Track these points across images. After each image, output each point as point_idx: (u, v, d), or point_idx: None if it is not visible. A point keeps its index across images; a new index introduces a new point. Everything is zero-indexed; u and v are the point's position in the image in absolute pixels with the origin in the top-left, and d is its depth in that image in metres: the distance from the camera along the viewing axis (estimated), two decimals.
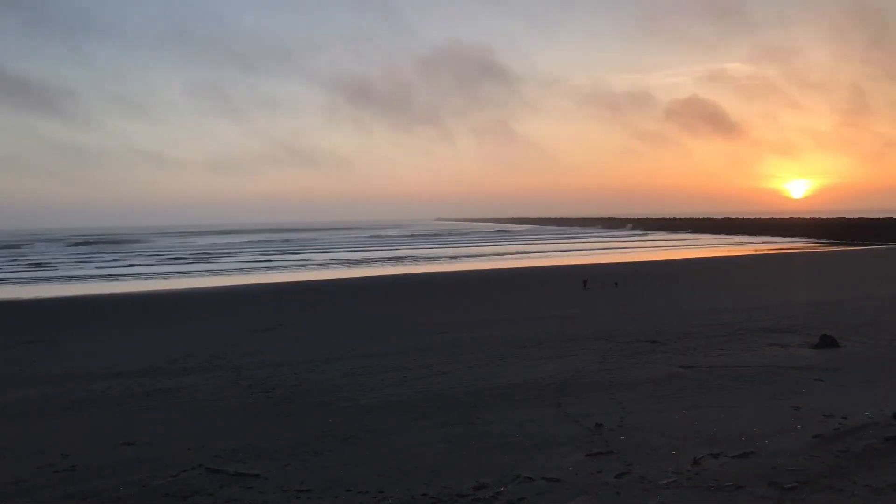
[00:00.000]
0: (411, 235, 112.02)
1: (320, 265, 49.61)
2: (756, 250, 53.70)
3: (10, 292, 34.05)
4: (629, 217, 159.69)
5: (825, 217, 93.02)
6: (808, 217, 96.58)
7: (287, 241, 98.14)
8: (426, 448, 7.13)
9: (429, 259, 53.58)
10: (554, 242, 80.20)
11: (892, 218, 71.03)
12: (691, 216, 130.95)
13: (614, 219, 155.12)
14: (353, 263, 50.37)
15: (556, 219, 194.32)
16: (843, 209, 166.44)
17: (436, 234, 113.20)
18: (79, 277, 42.40)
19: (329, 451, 7.19)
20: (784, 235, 78.46)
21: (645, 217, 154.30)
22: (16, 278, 43.38)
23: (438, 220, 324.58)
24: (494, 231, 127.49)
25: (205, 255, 64.47)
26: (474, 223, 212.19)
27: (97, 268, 51.23)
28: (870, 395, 8.52)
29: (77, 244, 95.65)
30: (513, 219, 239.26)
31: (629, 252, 58.57)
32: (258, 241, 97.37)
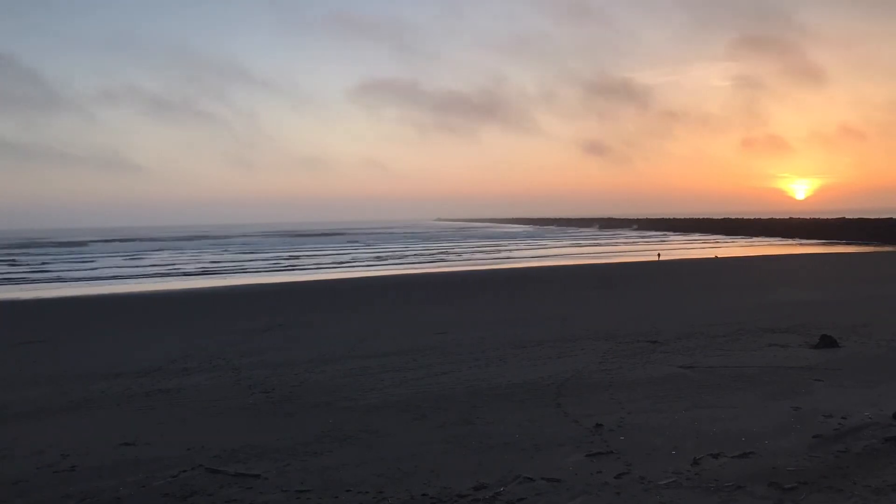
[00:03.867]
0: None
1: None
2: (755, 251, 53.67)
3: (8, 292, 34.03)
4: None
5: (824, 217, 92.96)
6: (807, 217, 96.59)
7: None
8: (426, 448, 7.13)
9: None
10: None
11: (891, 218, 70.95)
12: (691, 216, 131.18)
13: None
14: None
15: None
16: (841, 209, 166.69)
17: None
18: None
19: (329, 451, 7.18)
20: (783, 236, 78.44)
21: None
22: None
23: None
24: None
25: None
26: None
27: None
28: (870, 395, 8.53)
29: None
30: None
31: (629, 252, 58.55)
32: None
